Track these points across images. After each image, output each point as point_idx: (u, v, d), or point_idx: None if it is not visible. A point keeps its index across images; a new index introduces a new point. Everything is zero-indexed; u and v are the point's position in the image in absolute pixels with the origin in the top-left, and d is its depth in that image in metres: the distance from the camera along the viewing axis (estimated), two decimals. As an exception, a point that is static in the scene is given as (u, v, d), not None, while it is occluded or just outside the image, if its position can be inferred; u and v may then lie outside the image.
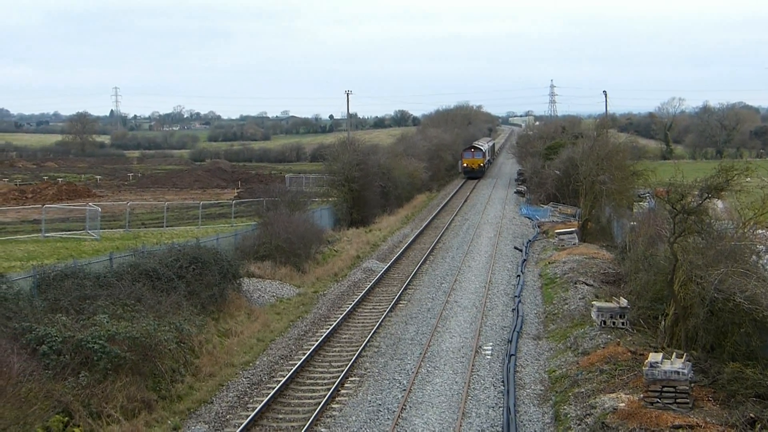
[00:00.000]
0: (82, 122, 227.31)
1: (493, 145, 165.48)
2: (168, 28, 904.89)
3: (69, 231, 55.88)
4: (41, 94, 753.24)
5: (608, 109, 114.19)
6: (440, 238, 62.43)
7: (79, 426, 22.81)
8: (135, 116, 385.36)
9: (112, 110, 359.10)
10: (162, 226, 60.53)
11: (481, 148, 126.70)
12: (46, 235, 53.04)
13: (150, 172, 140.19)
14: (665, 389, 22.65)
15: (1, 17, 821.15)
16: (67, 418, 22.71)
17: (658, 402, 22.51)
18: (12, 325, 24.97)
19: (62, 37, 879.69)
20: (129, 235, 54.11)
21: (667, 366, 22.94)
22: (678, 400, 22.57)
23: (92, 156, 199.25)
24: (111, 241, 50.09)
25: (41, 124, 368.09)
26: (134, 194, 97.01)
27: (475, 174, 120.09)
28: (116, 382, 25.01)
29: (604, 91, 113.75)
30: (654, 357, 23.57)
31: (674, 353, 24.91)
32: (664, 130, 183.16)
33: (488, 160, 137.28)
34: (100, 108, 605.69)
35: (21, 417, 20.03)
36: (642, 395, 23.19)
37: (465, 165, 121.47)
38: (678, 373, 22.72)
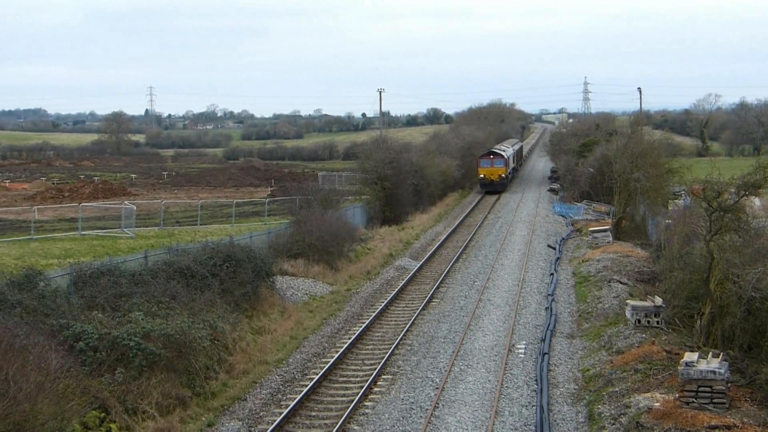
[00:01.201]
0: (117, 121, 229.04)
1: (521, 148, 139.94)
2: (202, 27, 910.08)
3: (105, 229, 56.29)
4: (77, 93, 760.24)
5: (643, 105, 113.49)
6: (473, 236, 62.33)
7: (115, 422, 23.03)
8: (169, 115, 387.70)
9: (146, 109, 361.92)
10: (196, 224, 60.85)
11: (503, 154, 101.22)
12: (83, 233, 53.47)
13: (184, 170, 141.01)
14: (701, 389, 22.48)
15: (40, 17, 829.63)
16: (103, 414, 22.95)
17: (693, 402, 22.35)
18: (50, 322, 25.24)
19: (98, 36, 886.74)
20: (164, 233, 54.44)
21: (703, 365, 22.77)
22: (714, 400, 22.39)
23: (127, 155, 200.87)
24: (146, 239, 50.41)
25: (78, 123, 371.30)
26: (169, 192, 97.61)
27: (495, 188, 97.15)
28: (151, 378, 25.22)
29: (639, 88, 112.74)
30: (690, 356, 23.41)
31: (710, 353, 24.72)
32: (699, 127, 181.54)
33: (513, 168, 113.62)
34: (135, 107, 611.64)
35: (59, 413, 20.24)
36: (677, 395, 23.04)
37: (482, 176, 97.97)
38: (714, 372, 22.54)
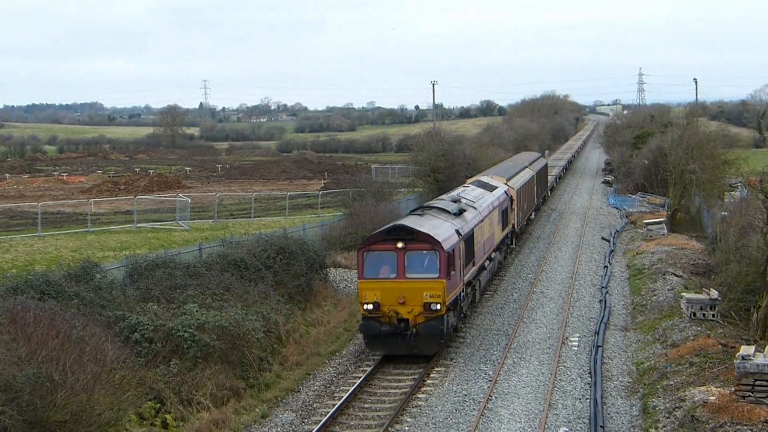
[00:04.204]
0: (172, 115, 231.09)
1: (542, 170, 72.13)
2: (256, 21, 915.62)
3: (160, 221, 56.97)
4: (133, 87, 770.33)
5: (698, 96, 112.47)
6: (525, 228, 62.03)
7: (170, 413, 23.31)
8: (223, 108, 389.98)
9: (201, 102, 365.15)
10: (250, 217, 61.30)
11: (449, 227, 32.38)
12: (138, 225, 54.14)
13: (238, 163, 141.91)
14: (758, 383, 22.16)
15: (99, 13, 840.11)
16: (159, 405, 23.26)
17: (750, 396, 22.05)
18: (106, 313, 25.61)
19: (155, 31, 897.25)
20: (218, 225, 54.92)
21: (759, 359, 22.44)
22: (771, 394, 22.07)
23: (182, 148, 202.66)
24: (200, 231, 50.92)
25: (133, 117, 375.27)
26: (223, 185, 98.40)
27: (406, 345, 29.22)
28: (205, 370, 25.48)
29: (695, 79, 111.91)
30: (746, 350, 23.10)
31: (767, 346, 24.39)
32: (756, 118, 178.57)
33: (502, 243, 44.88)
34: (189, 101, 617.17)
35: (115, 403, 20.54)
36: (733, 389, 22.75)
37: (368, 306, 29.47)
38: (771, 366, 22.22)
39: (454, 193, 41.33)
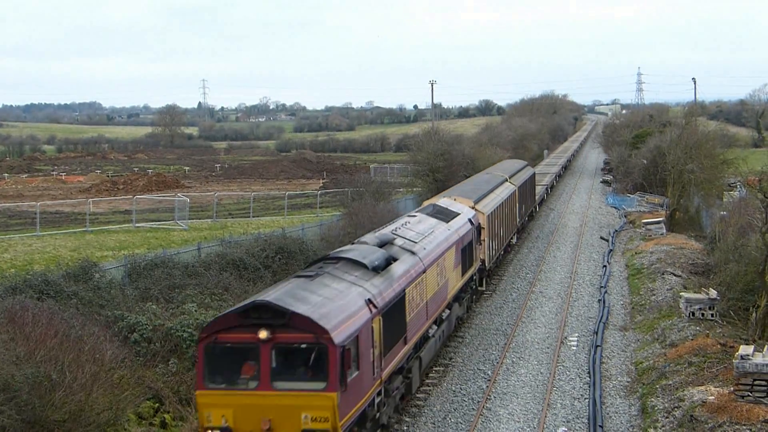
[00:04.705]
0: (170, 114, 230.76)
1: (530, 180, 62.68)
2: (255, 20, 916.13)
3: (158, 221, 56.98)
4: (131, 87, 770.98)
5: (697, 96, 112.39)
6: (524, 227, 62.01)
7: (169, 412, 23.31)
8: (222, 108, 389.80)
9: (199, 102, 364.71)
10: (248, 217, 61.29)
11: (323, 319, 17.96)
12: (137, 225, 54.16)
13: (237, 163, 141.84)
14: (757, 382, 22.17)
15: (99, 13, 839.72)
16: (157, 404, 23.27)
17: (749, 395, 22.06)
18: (105, 313, 25.66)
19: (154, 30, 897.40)
20: (216, 225, 54.92)
21: (758, 359, 22.45)
22: (770, 394, 22.08)
23: (181, 147, 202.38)
24: (199, 231, 50.92)
25: (132, 116, 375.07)
26: (221, 185, 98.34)
27: None
28: (204, 369, 25.43)
29: (693, 79, 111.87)
30: (745, 349, 23.11)
31: (766, 346, 24.39)
32: (755, 118, 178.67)
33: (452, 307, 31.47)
34: (188, 100, 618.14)
35: (114, 402, 20.54)
36: (732, 388, 22.77)
37: (213, 430, 17.82)
38: (770, 365, 22.23)
39: (388, 229, 28.62)
